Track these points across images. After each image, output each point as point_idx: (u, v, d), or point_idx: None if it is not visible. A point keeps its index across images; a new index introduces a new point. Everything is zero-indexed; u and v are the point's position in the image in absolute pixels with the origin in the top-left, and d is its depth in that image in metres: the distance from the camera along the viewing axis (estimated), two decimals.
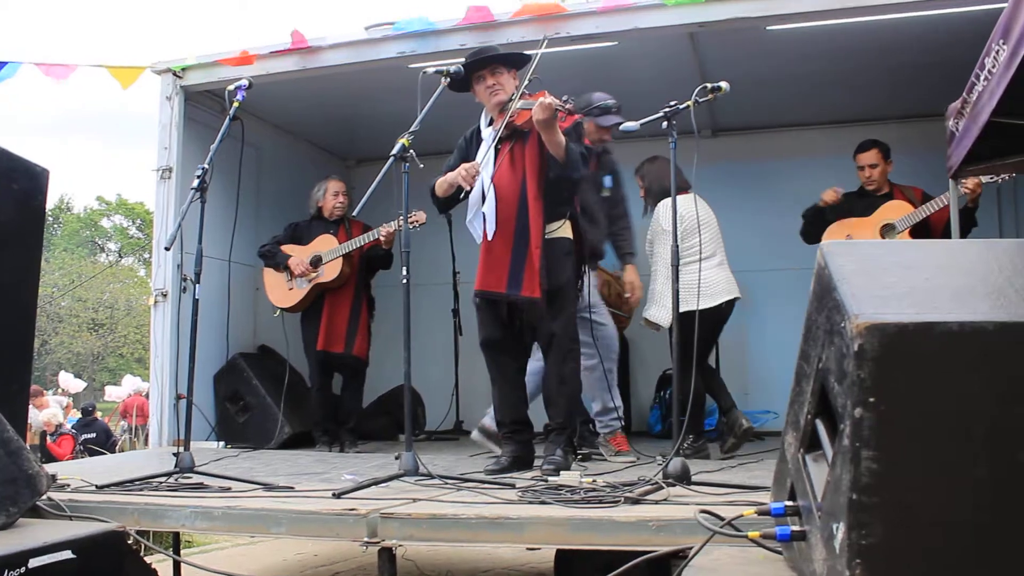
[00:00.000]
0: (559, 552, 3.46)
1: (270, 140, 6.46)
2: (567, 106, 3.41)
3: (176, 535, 4.24)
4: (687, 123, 3.29)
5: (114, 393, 13.97)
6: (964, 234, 4.51)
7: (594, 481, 2.95)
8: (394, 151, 3.25)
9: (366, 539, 2.44)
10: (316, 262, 5.37)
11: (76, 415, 12.08)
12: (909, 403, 1.43)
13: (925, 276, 1.55)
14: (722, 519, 1.93)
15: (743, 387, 6.12)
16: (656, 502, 2.58)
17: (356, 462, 4.43)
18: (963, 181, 4.30)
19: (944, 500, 1.43)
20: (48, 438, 9.59)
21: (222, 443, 5.46)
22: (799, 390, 1.76)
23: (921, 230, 4.61)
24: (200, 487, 3.20)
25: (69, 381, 14.25)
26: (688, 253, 4.04)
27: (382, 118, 5.52)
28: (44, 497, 2.73)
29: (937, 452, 1.43)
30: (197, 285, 3.57)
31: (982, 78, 3.24)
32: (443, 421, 6.52)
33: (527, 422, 3.91)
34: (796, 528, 1.73)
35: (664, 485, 2.79)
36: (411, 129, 3.32)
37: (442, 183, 3.83)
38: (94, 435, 9.83)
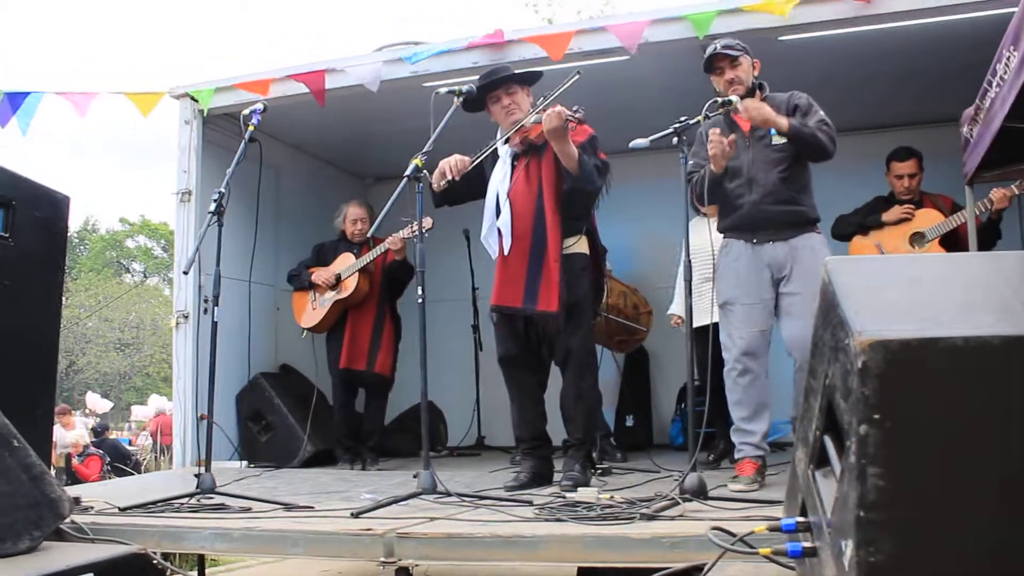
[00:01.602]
0: (580, 568, 3.45)
1: (288, 160, 6.54)
2: (577, 115, 3.42)
3: (201, 555, 4.28)
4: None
5: (140, 412, 14.14)
6: (989, 247, 4.46)
7: (612, 497, 2.95)
8: (407, 172, 3.28)
9: (383, 559, 2.46)
10: (336, 280, 5.43)
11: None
12: (914, 419, 1.42)
13: (929, 291, 1.55)
14: (734, 535, 1.93)
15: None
16: (672, 518, 2.58)
17: (376, 480, 4.46)
18: (990, 195, 4.26)
19: (952, 516, 1.42)
20: (75, 459, 9.71)
21: (245, 462, 5.50)
22: (807, 406, 1.76)
23: (951, 240, 4.56)
24: (221, 508, 3.24)
25: (96, 401, 14.40)
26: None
27: (399, 136, 5.57)
28: (67, 520, 2.76)
29: (944, 468, 1.42)
30: (216, 307, 3.60)
31: (994, 84, 3.24)
32: (465, 437, 6.54)
33: (546, 438, 3.92)
34: (807, 544, 1.73)
35: (680, 501, 2.78)
36: (424, 149, 3.35)
37: (434, 176, 3.82)
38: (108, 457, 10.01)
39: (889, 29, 4.37)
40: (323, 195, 6.70)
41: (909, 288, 1.56)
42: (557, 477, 3.77)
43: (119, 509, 3.17)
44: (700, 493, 2.83)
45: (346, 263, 5.45)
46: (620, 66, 4.88)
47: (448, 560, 2.49)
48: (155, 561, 2.99)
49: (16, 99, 4.75)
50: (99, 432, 12.09)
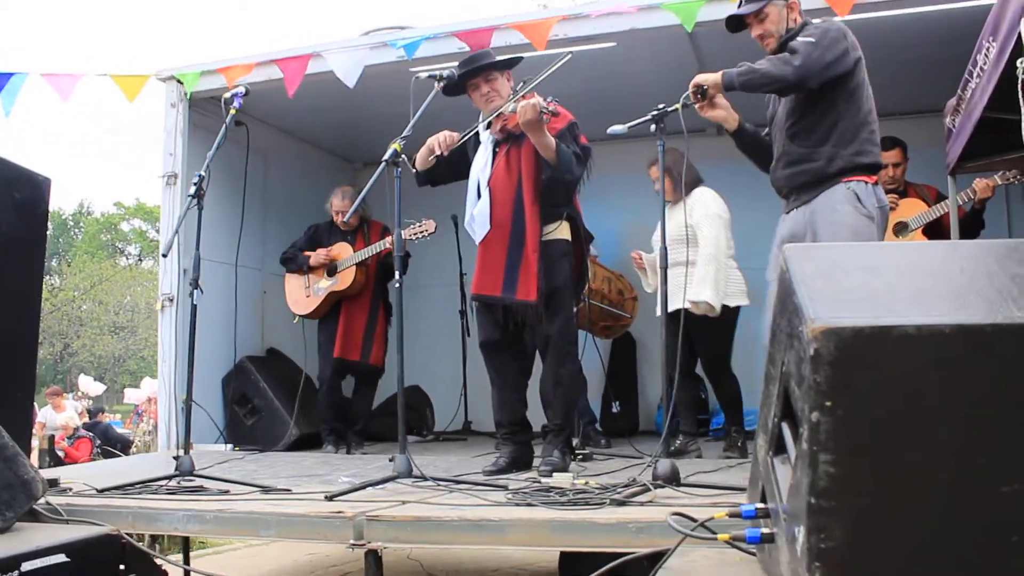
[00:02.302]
0: (563, 553, 3.47)
1: (276, 144, 6.52)
2: (550, 108, 3.41)
3: (185, 538, 4.30)
4: (680, 124, 3.28)
5: (133, 395, 14.10)
6: (974, 236, 4.47)
7: (586, 483, 2.96)
8: (386, 156, 3.27)
9: (352, 541, 2.47)
10: (331, 271, 5.42)
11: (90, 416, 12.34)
12: (866, 407, 1.42)
13: (886, 279, 1.55)
14: (695, 521, 1.94)
15: (752, 385, 6.10)
16: (641, 504, 2.59)
17: (359, 464, 4.47)
18: (973, 185, 4.27)
19: (903, 503, 1.43)
20: (65, 441, 9.74)
21: (230, 446, 5.51)
22: (767, 393, 1.77)
23: (935, 229, 4.57)
24: (200, 490, 3.25)
25: (88, 384, 14.37)
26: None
27: (386, 120, 5.54)
28: (42, 501, 2.77)
29: (895, 456, 1.43)
30: (196, 291, 3.60)
31: (975, 75, 3.24)
32: (452, 421, 6.57)
33: (526, 423, 3.93)
34: (766, 531, 1.74)
35: (652, 487, 2.79)
36: (403, 134, 3.34)
37: (420, 154, 3.84)
38: (92, 435, 10.06)
39: (873, 19, 4.35)
40: (312, 179, 6.69)
41: (865, 276, 1.56)
42: (537, 462, 3.79)
43: (97, 491, 3.18)
44: (672, 479, 2.84)
45: (343, 253, 5.44)
46: (609, 53, 4.87)
47: (417, 543, 2.51)
48: (124, 541, 3.02)
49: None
50: (93, 414, 12.15)
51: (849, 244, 2.40)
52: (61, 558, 2.41)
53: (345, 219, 3.89)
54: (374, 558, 2.50)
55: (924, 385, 1.43)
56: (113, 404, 21.64)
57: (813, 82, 3.13)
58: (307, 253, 5.53)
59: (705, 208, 4.47)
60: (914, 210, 4.56)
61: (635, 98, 4.37)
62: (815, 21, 3.33)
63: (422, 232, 4.97)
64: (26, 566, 2.31)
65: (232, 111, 3.73)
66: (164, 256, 4.02)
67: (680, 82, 4.01)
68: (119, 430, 12.86)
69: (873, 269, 1.59)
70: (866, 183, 3.22)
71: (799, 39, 3.18)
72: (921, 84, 5.14)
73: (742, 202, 4.85)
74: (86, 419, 11.84)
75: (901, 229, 4.56)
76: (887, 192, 4.63)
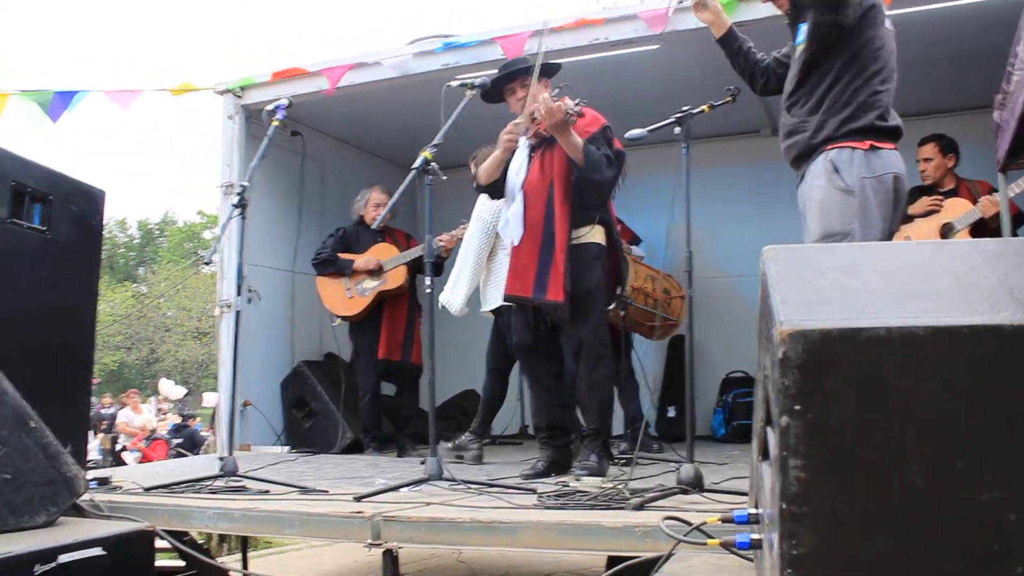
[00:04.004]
0: (610, 556, 3.46)
1: (333, 153, 6.67)
2: (576, 109, 3.42)
3: (244, 537, 4.46)
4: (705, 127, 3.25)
5: (211, 399, 14.57)
6: (1014, 232, 4.31)
7: (614, 487, 2.97)
8: (416, 164, 3.33)
9: (370, 541, 2.53)
10: (378, 271, 5.49)
11: (177, 419, 12.83)
12: (836, 411, 1.40)
13: (863, 280, 1.52)
14: (690, 525, 1.93)
15: None
16: (661, 508, 2.58)
17: (406, 466, 4.54)
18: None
19: (874, 509, 1.40)
20: (143, 443, 10.14)
21: (287, 448, 5.65)
22: (755, 397, 1.76)
23: (982, 227, 4.42)
24: (241, 490, 3.36)
25: (169, 388, 14.92)
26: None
27: (439, 127, 5.65)
28: (87, 498, 2.92)
29: (866, 460, 1.40)
30: (238, 297, 3.72)
31: (1016, 67, 3.13)
32: (509, 425, 6.60)
33: (563, 427, 3.94)
34: (755, 536, 1.73)
35: (677, 491, 2.78)
36: (434, 142, 3.40)
37: (486, 167, 3.89)
38: (181, 440, 10.42)
39: (920, 13, 4.23)
40: (369, 186, 6.82)
41: (843, 277, 1.53)
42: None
43: (143, 489, 3.32)
44: (696, 484, 2.82)
45: (387, 253, 5.50)
46: (649, 56, 4.85)
47: (431, 543, 2.55)
48: (187, 540, 3.16)
49: (66, 97, 4.99)
50: (185, 419, 12.63)
51: (830, 245, 2.34)
52: (97, 551, 2.54)
53: (376, 224, 3.93)
54: (391, 558, 2.56)
55: (896, 389, 1.39)
56: (196, 408, 22.36)
57: (852, 13, 2.84)
58: (342, 255, 5.55)
59: (475, 210, 4.81)
60: (959, 210, 4.42)
61: (677, 100, 4.35)
62: None
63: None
64: (63, 558, 2.44)
65: (274, 122, 3.83)
66: (207, 264, 4.19)
67: (719, 85, 3.98)
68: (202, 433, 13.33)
69: (851, 270, 1.56)
70: (852, 149, 2.88)
71: None
72: (976, 78, 4.97)
73: (795, 200, 4.75)
74: (178, 421, 12.31)
75: (947, 230, 4.42)
76: (931, 190, 4.51)
